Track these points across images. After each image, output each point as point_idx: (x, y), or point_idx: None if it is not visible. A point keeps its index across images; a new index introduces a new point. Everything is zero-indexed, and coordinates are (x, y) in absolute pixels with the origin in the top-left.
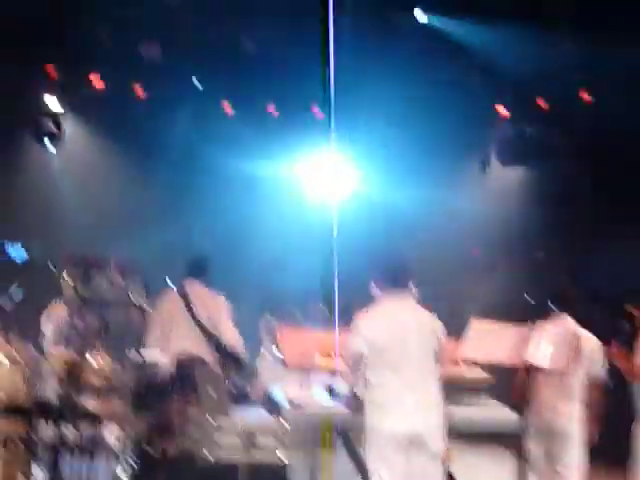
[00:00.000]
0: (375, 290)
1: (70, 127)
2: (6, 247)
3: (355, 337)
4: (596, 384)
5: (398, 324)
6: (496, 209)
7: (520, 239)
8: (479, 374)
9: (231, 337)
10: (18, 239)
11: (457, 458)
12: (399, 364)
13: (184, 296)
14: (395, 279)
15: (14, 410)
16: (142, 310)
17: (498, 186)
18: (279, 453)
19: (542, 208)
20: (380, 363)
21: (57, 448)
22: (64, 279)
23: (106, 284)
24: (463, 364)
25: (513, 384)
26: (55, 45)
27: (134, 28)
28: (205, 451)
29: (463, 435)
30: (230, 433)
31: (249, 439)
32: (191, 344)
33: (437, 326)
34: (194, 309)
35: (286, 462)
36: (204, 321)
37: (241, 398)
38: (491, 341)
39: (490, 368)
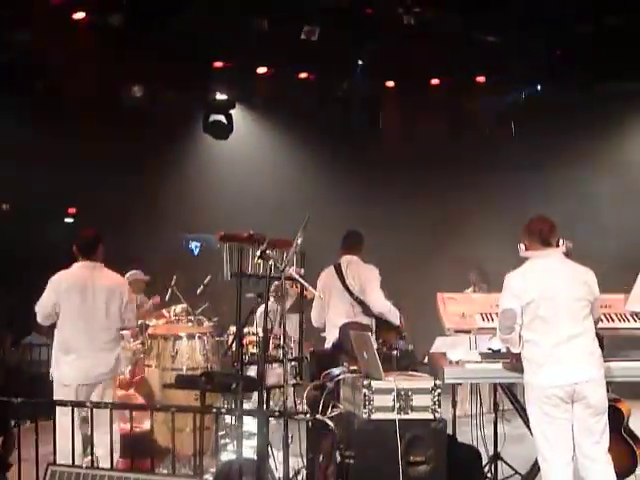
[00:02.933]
0: (524, 250)
1: (239, 117)
2: (187, 242)
3: (506, 295)
4: None
5: (548, 280)
6: None
7: None
8: None
9: (376, 302)
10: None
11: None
12: (551, 319)
13: (339, 269)
14: (542, 238)
15: None
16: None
17: None
18: (435, 411)
19: None
20: (532, 319)
21: None
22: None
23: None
24: (632, 316)
25: None
26: (222, 41)
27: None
28: (364, 411)
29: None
30: (386, 394)
31: (405, 400)
32: (344, 311)
33: (589, 278)
34: (347, 280)
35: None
36: (355, 290)
37: (402, 360)
38: None
39: None
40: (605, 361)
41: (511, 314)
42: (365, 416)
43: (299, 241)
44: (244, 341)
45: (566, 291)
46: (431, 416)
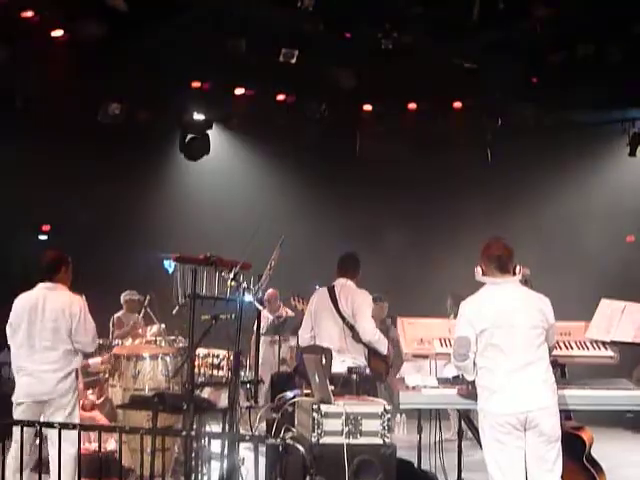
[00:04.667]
0: (480, 275)
1: (215, 138)
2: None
3: (461, 323)
4: None
5: (503, 307)
6: None
7: None
8: (604, 353)
9: (366, 329)
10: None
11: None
12: (506, 346)
13: (332, 292)
14: (500, 264)
15: None
16: None
17: None
18: (385, 436)
19: None
20: (487, 346)
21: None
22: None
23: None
24: (590, 344)
25: None
26: (199, 60)
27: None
28: (313, 435)
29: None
30: (336, 418)
31: (354, 424)
32: (335, 335)
33: (544, 305)
34: (339, 303)
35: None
36: (347, 315)
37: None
38: (619, 320)
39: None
40: (563, 389)
41: (465, 342)
42: (314, 440)
43: (273, 263)
44: (199, 362)
45: (521, 319)
46: (380, 441)
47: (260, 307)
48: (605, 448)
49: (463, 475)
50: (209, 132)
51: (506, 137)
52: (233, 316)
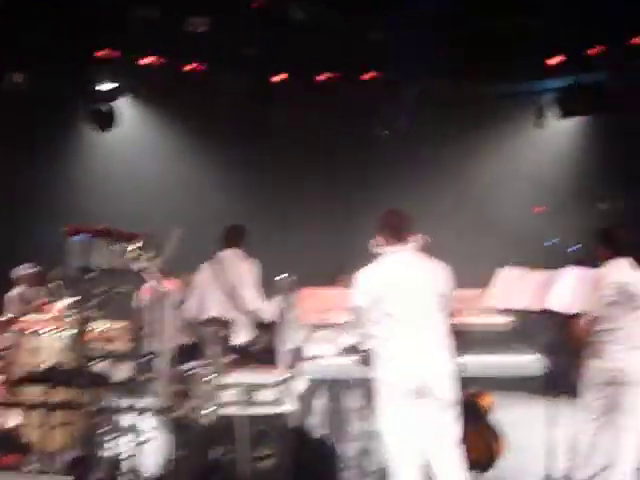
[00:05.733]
0: (376, 245)
1: (125, 108)
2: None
3: (355, 292)
4: None
5: (399, 275)
6: (552, 162)
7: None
8: (499, 320)
9: (250, 298)
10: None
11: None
12: (401, 315)
13: (217, 263)
14: (396, 233)
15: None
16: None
17: (556, 139)
18: (279, 407)
19: (602, 159)
20: (382, 315)
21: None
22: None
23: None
24: (487, 311)
25: (570, 331)
26: (107, 28)
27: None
28: (209, 406)
29: (495, 381)
30: (230, 389)
31: (249, 394)
32: (221, 308)
33: (442, 272)
34: (223, 274)
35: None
36: (231, 285)
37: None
38: (516, 288)
39: (518, 315)
40: (460, 355)
41: (360, 311)
42: (210, 411)
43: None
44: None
45: (417, 287)
46: (276, 411)
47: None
48: (508, 412)
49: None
50: (118, 102)
51: (420, 109)
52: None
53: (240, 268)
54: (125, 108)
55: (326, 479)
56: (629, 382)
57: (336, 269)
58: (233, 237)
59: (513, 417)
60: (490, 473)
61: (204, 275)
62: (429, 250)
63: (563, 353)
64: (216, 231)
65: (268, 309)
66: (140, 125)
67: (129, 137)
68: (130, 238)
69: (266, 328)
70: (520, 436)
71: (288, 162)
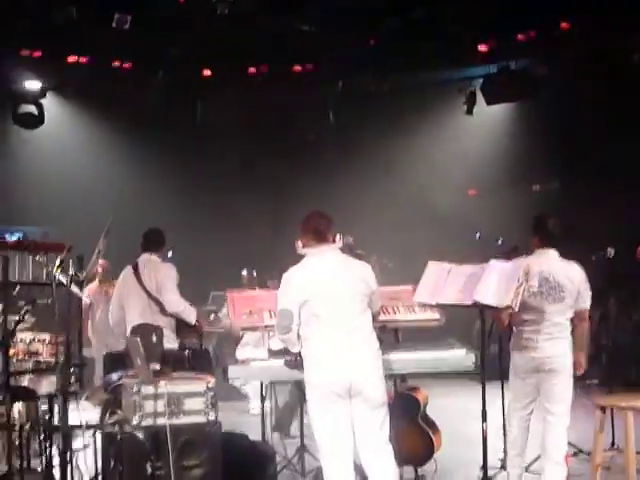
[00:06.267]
0: (300, 247)
1: (51, 107)
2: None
3: (282, 295)
4: (582, 316)
5: (323, 277)
6: (484, 148)
7: (513, 173)
8: (431, 316)
9: (170, 301)
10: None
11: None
12: (328, 316)
13: (137, 268)
14: (318, 234)
15: None
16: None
17: (485, 124)
18: (208, 414)
19: (530, 144)
20: (309, 317)
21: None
22: None
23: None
24: (418, 307)
25: (498, 322)
26: (31, 27)
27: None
28: (135, 417)
29: (429, 376)
30: (157, 399)
31: (177, 404)
32: (141, 311)
33: (365, 272)
34: (143, 279)
35: (214, 419)
36: (152, 290)
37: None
38: (444, 283)
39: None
40: (395, 353)
41: (287, 314)
42: (136, 423)
43: (102, 247)
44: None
45: (342, 287)
46: (204, 419)
47: (79, 292)
48: (444, 406)
49: (305, 441)
50: (43, 101)
51: (347, 101)
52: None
53: (159, 272)
54: (51, 106)
55: None
56: (554, 370)
57: (266, 270)
58: (152, 241)
59: (448, 410)
60: (428, 466)
61: (124, 281)
62: (365, 243)
63: (494, 343)
64: (139, 229)
65: (191, 312)
66: (66, 123)
67: (55, 135)
68: (49, 249)
69: (195, 333)
70: (456, 428)
71: (216, 158)
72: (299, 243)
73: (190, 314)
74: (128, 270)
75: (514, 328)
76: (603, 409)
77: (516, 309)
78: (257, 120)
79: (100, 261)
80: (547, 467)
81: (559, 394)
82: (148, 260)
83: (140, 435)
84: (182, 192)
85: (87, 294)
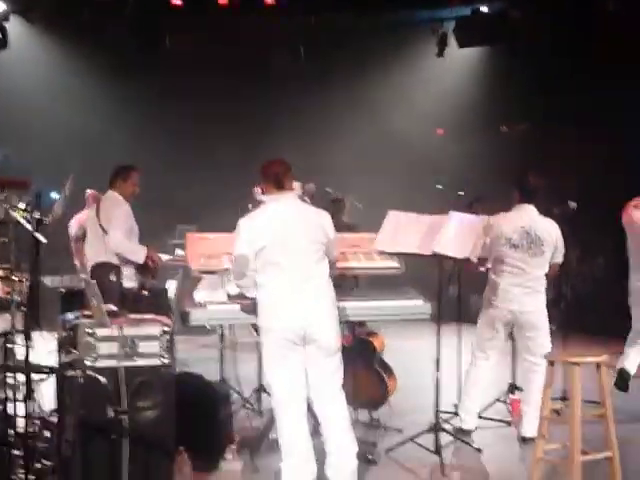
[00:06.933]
0: (259, 193)
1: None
2: None
3: (238, 241)
4: (555, 269)
5: (280, 224)
6: (455, 90)
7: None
8: (390, 264)
9: (112, 240)
10: None
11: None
12: (284, 263)
13: (98, 204)
14: (277, 181)
15: None
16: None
17: (456, 67)
18: (163, 357)
19: (501, 89)
20: (265, 264)
21: None
22: None
23: None
24: (378, 256)
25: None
26: None
27: None
28: (89, 358)
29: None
30: (111, 341)
31: (131, 346)
32: (97, 251)
33: (323, 220)
34: (100, 217)
35: (169, 362)
36: (105, 226)
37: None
38: (405, 232)
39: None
40: (350, 300)
41: (243, 260)
42: (90, 363)
43: (67, 192)
44: None
45: (299, 235)
46: (159, 362)
47: (40, 237)
48: (400, 351)
49: (263, 381)
50: (7, 24)
51: (319, 37)
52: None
53: (109, 210)
54: (15, 30)
55: (214, 424)
56: (526, 323)
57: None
58: (112, 178)
59: (407, 354)
60: (382, 410)
61: (87, 219)
62: (335, 183)
63: (454, 285)
64: (106, 157)
65: (135, 252)
66: (31, 47)
67: (18, 59)
68: (11, 185)
69: (149, 272)
70: (414, 373)
71: (183, 93)
72: (258, 189)
73: (134, 254)
74: (92, 207)
75: (491, 278)
76: (552, 363)
77: (475, 261)
78: (226, 54)
79: (89, 191)
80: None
81: (540, 347)
82: (106, 197)
83: (102, 378)
84: (147, 118)
85: (76, 225)
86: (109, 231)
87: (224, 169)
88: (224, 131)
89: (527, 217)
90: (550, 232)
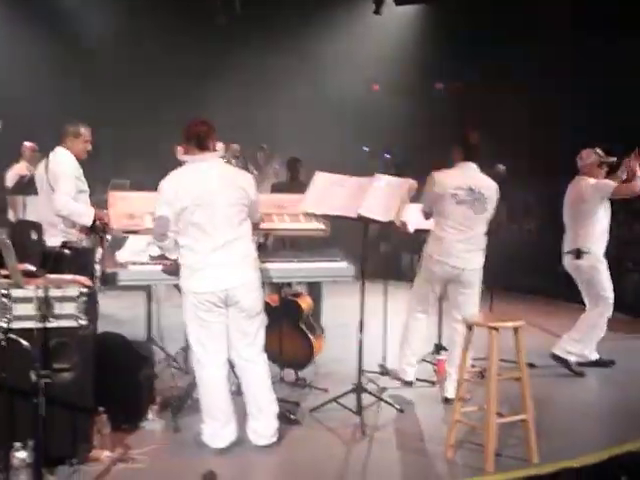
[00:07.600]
0: (181, 153)
1: None
2: None
3: (159, 202)
4: (491, 226)
5: (202, 185)
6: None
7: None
8: (316, 226)
9: (55, 199)
10: None
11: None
12: (206, 225)
13: (47, 162)
14: (199, 142)
15: None
16: None
17: (393, 25)
18: (80, 318)
19: (436, 47)
20: (187, 225)
21: None
22: None
23: None
24: (304, 217)
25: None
26: None
27: None
28: (3, 319)
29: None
30: (27, 302)
31: (47, 308)
32: (41, 208)
33: (245, 182)
34: (48, 174)
35: (86, 323)
36: (52, 185)
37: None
38: (330, 194)
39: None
40: (273, 262)
41: (164, 221)
42: (4, 325)
43: None
44: None
45: (221, 196)
46: (75, 324)
47: None
48: (328, 311)
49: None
50: None
51: None
52: None
53: (55, 167)
54: None
55: (134, 384)
56: (465, 281)
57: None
58: (64, 135)
59: (334, 313)
60: (308, 369)
61: (38, 175)
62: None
63: (385, 242)
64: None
65: (80, 214)
66: None
67: None
68: None
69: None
70: (341, 332)
71: (124, 40)
72: (180, 148)
73: (81, 217)
74: (43, 163)
75: (434, 233)
76: (470, 327)
77: (398, 224)
78: (158, 6)
79: (27, 143)
80: (453, 374)
81: (472, 305)
82: (54, 153)
83: (24, 342)
84: (88, 72)
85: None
86: (55, 192)
87: (161, 125)
88: (163, 85)
89: (470, 174)
90: (491, 189)
